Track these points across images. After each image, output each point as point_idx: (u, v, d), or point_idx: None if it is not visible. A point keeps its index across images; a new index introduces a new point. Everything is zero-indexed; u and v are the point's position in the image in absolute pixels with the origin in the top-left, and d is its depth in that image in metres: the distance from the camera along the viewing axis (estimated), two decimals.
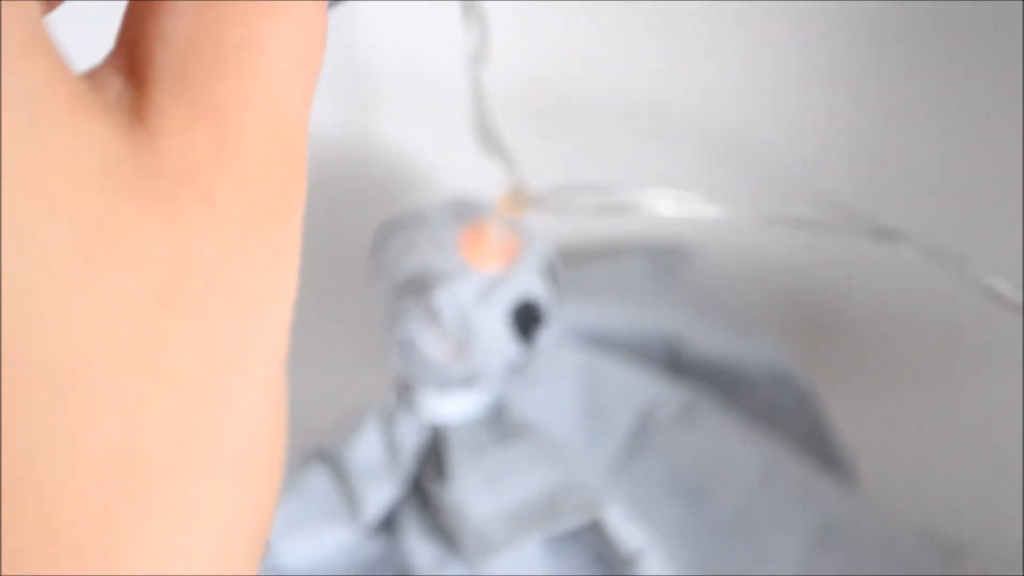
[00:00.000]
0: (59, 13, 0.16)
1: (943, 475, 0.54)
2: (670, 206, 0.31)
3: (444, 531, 0.39)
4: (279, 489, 0.16)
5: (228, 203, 0.15)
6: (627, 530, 0.38)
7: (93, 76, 0.15)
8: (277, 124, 0.15)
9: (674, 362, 0.44)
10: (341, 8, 0.41)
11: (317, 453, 0.40)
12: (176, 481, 0.14)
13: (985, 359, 0.50)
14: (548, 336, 0.37)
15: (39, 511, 0.13)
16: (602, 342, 0.44)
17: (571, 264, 0.45)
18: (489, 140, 0.32)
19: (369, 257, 0.37)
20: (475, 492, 0.37)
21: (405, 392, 0.39)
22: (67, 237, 0.13)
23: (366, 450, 0.39)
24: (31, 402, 0.13)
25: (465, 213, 0.36)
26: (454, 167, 0.47)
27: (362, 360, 0.49)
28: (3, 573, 0.13)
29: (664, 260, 0.47)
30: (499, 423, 0.40)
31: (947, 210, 0.47)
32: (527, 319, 0.35)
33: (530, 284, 0.35)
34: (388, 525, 0.42)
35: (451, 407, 0.38)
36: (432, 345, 0.35)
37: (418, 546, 0.40)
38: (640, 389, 0.43)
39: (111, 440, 0.13)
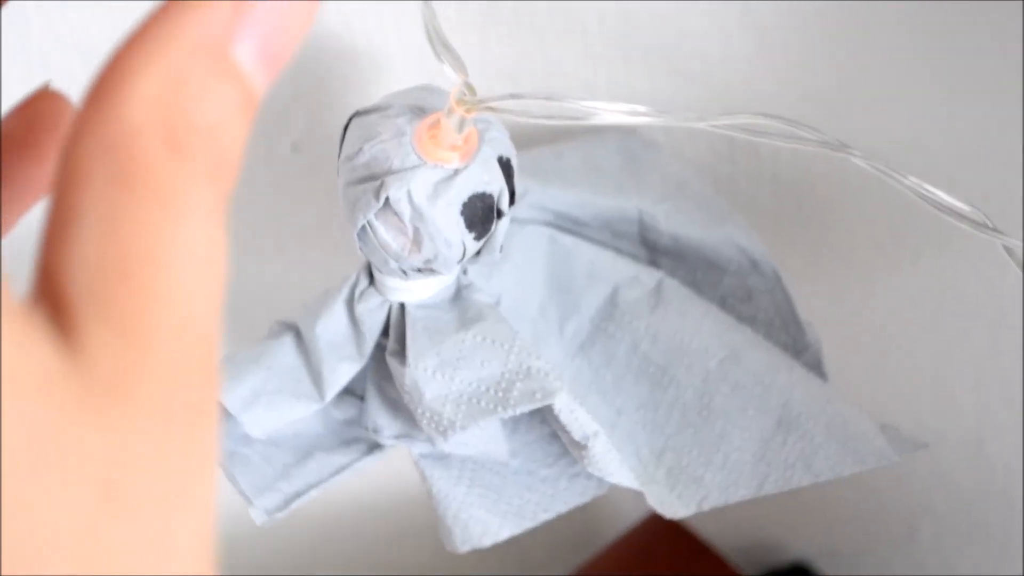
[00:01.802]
0: None
1: (899, 357, 0.55)
2: (620, 115, 0.31)
3: (405, 406, 0.40)
4: None
5: (151, 409, 0.16)
6: (577, 417, 0.39)
7: (25, 301, 0.16)
8: (188, 330, 0.16)
9: (644, 245, 0.45)
10: None
11: (285, 327, 0.41)
12: None
13: (936, 245, 0.50)
14: (503, 227, 0.37)
15: None
16: (571, 223, 0.44)
17: (538, 144, 0.45)
18: (440, 42, 0.32)
19: (340, 145, 0.38)
20: (429, 376, 0.38)
21: (372, 275, 0.40)
22: (17, 447, 0.15)
23: (333, 328, 0.40)
24: None
25: (425, 105, 0.36)
26: (418, 57, 0.47)
27: (338, 247, 0.50)
28: None
29: (634, 145, 0.46)
30: (461, 301, 0.40)
31: (913, 137, 0.47)
32: (482, 211, 0.36)
33: (485, 176, 0.36)
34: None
35: (413, 291, 0.39)
36: (388, 236, 0.36)
37: (381, 417, 0.42)
38: (607, 270, 0.43)
39: None
